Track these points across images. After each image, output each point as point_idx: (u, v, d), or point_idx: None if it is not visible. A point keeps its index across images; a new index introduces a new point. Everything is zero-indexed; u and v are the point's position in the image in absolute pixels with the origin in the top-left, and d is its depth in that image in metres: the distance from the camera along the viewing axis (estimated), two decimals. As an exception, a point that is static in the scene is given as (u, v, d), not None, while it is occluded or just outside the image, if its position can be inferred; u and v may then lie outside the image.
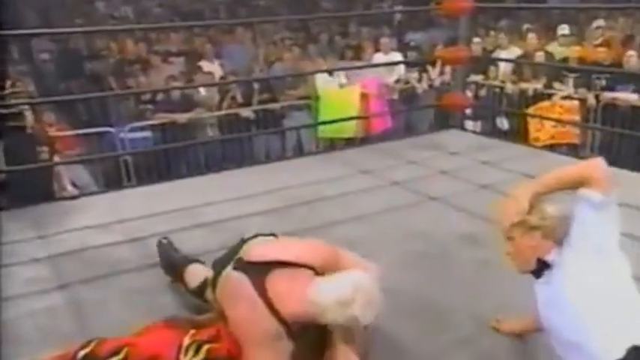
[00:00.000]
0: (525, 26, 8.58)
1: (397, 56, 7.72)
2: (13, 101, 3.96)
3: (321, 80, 6.93)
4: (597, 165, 1.77)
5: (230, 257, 2.08)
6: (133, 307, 2.48)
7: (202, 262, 2.44)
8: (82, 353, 1.87)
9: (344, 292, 1.76)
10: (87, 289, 2.67)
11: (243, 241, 2.15)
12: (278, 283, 1.86)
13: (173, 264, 2.56)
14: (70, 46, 8.74)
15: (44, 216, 3.53)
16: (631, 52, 6.36)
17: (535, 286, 1.89)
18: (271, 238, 2.20)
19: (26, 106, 4.04)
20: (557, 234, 1.80)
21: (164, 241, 2.70)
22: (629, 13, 8.58)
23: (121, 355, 1.85)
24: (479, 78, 7.43)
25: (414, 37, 9.90)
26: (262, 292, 1.86)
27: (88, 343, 1.91)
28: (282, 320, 1.82)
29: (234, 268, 2.00)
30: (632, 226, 3.04)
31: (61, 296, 2.62)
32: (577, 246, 1.75)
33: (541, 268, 1.83)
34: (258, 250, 2.03)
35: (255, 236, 2.17)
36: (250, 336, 1.84)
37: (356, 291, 1.76)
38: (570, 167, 1.86)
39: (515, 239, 1.84)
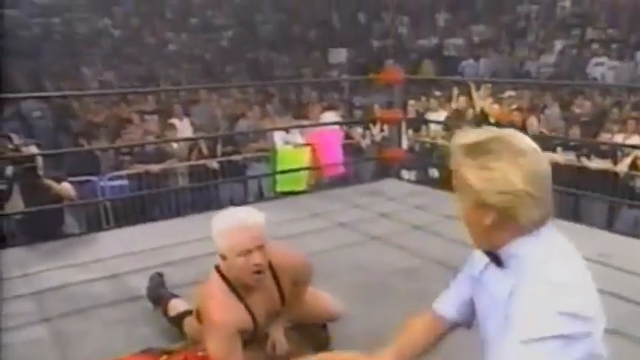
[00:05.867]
0: (437, 93, 8.97)
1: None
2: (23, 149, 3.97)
3: (279, 136, 7.04)
4: None
5: None
6: (112, 337, 2.43)
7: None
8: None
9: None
10: (69, 322, 2.60)
11: None
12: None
13: (159, 295, 2.55)
14: (60, 106, 8.67)
15: (29, 256, 3.43)
16: (532, 118, 6.77)
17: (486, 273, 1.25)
18: None
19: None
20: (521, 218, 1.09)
21: (156, 275, 2.68)
22: (531, 87, 9.16)
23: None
24: (411, 134, 7.67)
25: (361, 100, 10.20)
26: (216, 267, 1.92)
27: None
28: (230, 286, 1.86)
29: None
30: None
31: (45, 329, 2.54)
32: None
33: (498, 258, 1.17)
34: None
35: None
36: (206, 301, 1.85)
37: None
38: None
39: (464, 206, 1.16)
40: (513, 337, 1.02)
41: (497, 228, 1.10)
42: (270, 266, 1.90)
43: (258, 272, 1.80)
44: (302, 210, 4.30)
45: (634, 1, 12.53)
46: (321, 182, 6.69)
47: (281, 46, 15.02)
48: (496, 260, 1.17)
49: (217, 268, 1.90)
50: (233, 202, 6.31)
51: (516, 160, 1.07)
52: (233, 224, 1.80)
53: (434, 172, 7.28)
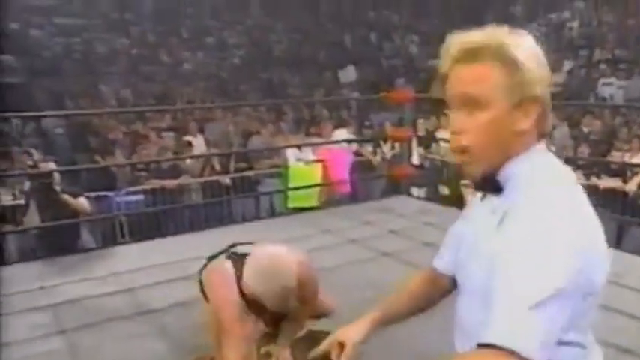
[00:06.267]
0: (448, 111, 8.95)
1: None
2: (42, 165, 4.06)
3: (291, 153, 7.07)
4: None
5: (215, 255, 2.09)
6: (127, 351, 2.43)
7: None
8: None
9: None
10: (84, 334, 2.61)
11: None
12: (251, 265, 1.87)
13: None
14: (80, 123, 8.82)
15: (46, 269, 3.46)
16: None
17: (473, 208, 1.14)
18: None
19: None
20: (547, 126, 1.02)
21: None
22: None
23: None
24: (422, 152, 7.65)
25: (373, 117, 10.23)
26: (238, 273, 1.88)
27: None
28: (242, 295, 1.85)
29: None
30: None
31: (61, 341, 2.55)
32: None
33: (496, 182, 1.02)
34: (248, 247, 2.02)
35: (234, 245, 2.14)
36: (223, 308, 1.85)
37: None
38: None
39: (491, 105, 0.96)
40: (517, 303, 0.85)
41: (527, 133, 0.98)
42: None
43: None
44: (313, 226, 4.30)
45: (641, 23, 12.54)
46: (332, 199, 6.69)
47: (294, 66, 15.15)
48: (493, 186, 1.03)
49: (240, 288, 1.88)
50: (245, 218, 6.33)
51: (537, 53, 0.99)
52: (268, 280, 1.82)
53: (444, 190, 7.24)
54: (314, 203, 6.42)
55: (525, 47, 0.97)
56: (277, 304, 1.84)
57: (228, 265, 1.94)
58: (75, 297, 3.03)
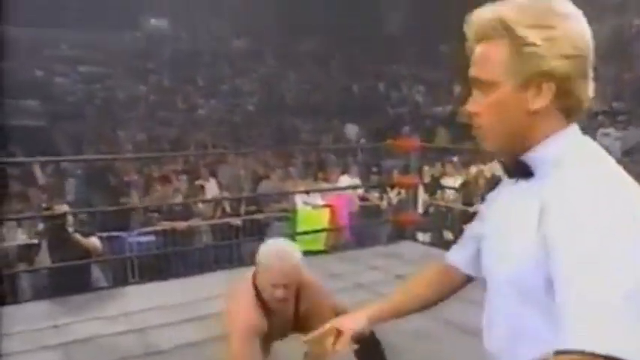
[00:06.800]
0: (454, 159, 8.95)
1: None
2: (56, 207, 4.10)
3: (299, 196, 7.09)
4: None
5: None
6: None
7: None
8: None
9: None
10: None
11: None
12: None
13: None
14: (99, 166, 8.96)
15: (57, 308, 3.45)
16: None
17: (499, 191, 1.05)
18: None
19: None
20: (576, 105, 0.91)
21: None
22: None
23: None
24: (427, 197, 7.64)
25: (380, 164, 10.28)
26: (255, 273, 1.99)
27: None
28: (258, 296, 1.94)
29: None
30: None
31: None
32: None
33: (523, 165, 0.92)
34: None
35: None
36: (235, 313, 1.92)
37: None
38: None
39: (497, 86, 0.89)
40: (600, 297, 0.70)
41: (545, 112, 0.88)
42: (297, 293, 2.01)
43: (281, 302, 1.94)
44: (321, 271, 4.24)
45: (637, 77, 12.74)
46: (339, 243, 6.67)
47: (303, 113, 15.39)
48: (521, 169, 0.92)
49: (254, 278, 1.98)
50: (254, 261, 6.29)
51: (574, 20, 0.86)
52: (273, 257, 1.96)
53: (448, 235, 7.20)
54: (320, 247, 6.40)
55: (534, 20, 0.85)
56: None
57: (248, 273, 2.04)
58: (86, 336, 3.02)
